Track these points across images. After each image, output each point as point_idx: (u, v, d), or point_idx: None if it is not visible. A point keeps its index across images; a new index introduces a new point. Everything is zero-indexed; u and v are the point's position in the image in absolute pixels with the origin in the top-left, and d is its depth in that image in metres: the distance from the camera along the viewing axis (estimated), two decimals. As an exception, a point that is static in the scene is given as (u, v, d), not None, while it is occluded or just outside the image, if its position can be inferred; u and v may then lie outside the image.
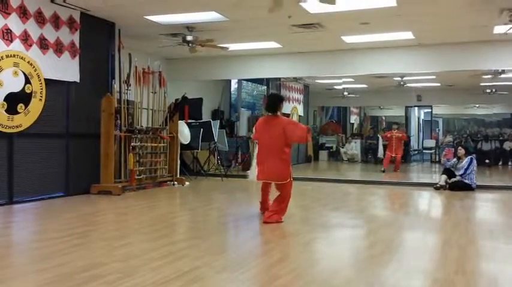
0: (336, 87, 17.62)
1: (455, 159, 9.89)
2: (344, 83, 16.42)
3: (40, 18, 7.19)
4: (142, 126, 9.06)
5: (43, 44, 7.26)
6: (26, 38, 6.95)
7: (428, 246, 5.08)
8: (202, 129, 11.10)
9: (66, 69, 7.71)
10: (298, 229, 5.80)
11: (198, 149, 11.35)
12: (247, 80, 16.06)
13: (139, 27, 9.03)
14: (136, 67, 9.07)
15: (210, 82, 13.95)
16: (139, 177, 8.82)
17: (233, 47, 10.42)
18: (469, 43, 9.98)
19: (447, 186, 9.58)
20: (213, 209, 7.42)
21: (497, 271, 4.08)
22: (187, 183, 9.98)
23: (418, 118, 23.71)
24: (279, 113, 6.16)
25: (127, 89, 8.84)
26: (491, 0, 7.22)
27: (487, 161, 16.41)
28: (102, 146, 8.26)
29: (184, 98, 10.88)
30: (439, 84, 16.68)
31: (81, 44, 7.94)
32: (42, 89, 7.20)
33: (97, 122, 8.25)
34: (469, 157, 9.74)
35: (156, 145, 9.33)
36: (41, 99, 7.19)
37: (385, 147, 15.49)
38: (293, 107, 16.27)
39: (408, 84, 15.71)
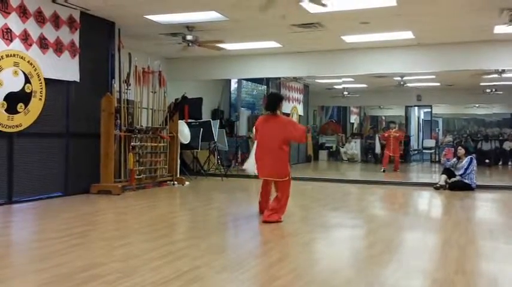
0: (335, 87, 17.61)
1: (455, 159, 9.89)
2: (344, 82, 16.42)
3: (40, 18, 7.19)
4: (142, 126, 9.06)
5: (43, 43, 7.25)
6: (25, 38, 6.95)
7: (428, 246, 5.07)
8: (202, 129, 11.09)
9: (66, 68, 7.71)
10: (297, 229, 5.80)
11: (198, 149, 11.35)
12: (247, 80, 16.06)
13: (139, 27, 9.02)
14: (136, 67, 9.07)
15: (209, 82, 13.95)
16: (139, 177, 8.81)
17: (233, 46, 10.43)
18: (469, 43, 9.98)
19: (447, 186, 9.58)
20: (212, 209, 7.42)
21: (497, 271, 4.08)
22: (187, 183, 9.98)
23: (418, 118, 23.72)
24: (278, 112, 6.21)
25: (127, 89, 8.84)
26: (491, 0, 7.21)
27: (487, 161, 16.41)
28: (102, 145, 8.25)
29: (184, 97, 10.87)
30: (438, 84, 16.68)
31: (81, 44, 7.94)
32: (42, 88, 7.20)
33: (97, 122, 8.24)
34: (469, 156, 9.73)
35: (156, 144, 9.32)
36: (40, 99, 7.19)
37: (383, 146, 15.49)
38: (293, 106, 16.27)
39: (408, 84, 15.71)
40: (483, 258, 4.58)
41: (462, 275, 3.81)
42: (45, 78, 7.23)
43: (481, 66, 10.86)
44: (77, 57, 7.90)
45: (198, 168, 11.72)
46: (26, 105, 6.95)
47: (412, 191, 9.92)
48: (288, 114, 15.05)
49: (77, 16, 7.86)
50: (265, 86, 15.42)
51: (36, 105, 7.11)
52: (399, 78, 14.55)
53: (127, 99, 8.83)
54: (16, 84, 6.80)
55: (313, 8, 7.60)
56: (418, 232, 5.85)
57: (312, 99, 18.63)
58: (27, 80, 6.94)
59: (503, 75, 12.67)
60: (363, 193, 9.55)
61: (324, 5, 6.23)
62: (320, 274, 3.91)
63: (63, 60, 7.64)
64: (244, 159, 13.16)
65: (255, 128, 6.34)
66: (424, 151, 20.01)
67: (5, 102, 6.63)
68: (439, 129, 22.61)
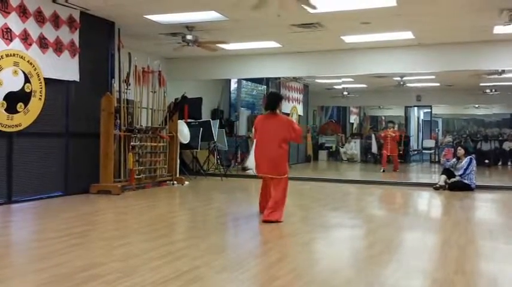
0: (335, 87, 17.61)
1: (454, 159, 9.90)
2: (344, 82, 16.42)
3: (40, 18, 7.19)
4: (142, 125, 9.06)
5: (43, 43, 7.25)
6: (25, 37, 6.95)
7: (428, 246, 5.07)
8: (201, 129, 11.09)
9: (66, 68, 7.71)
10: (297, 229, 5.80)
11: (197, 149, 11.34)
12: (246, 80, 16.06)
13: (139, 27, 9.02)
14: (136, 66, 9.07)
15: (209, 82, 13.95)
16: (139, 176, 8.81)
17: (233, 46, 10.42)
18: (469, 43, 9.98)
19: (447, 186, 9.58)
20: (212, 209, 7.42)
21: (497, 271, 4.08)
22: (186, 182, 9.98)
23: (418, 118, 23.73)
24: (278, 111, 6.27)
25: (127, 89, 8.84)
26: (491, 0, 7.22)
27: (486, 161, 16.41)
28: (102, 145, 8.25)
29: (183, 97, 10.87)
30: (438, 84, 16.69)
31: (80, 43, 7.94)
32: (41, 88, 7.19)
33: (97, 122, 8.24)
34: (469, 157, 9.74)
35: (155, 144, 9.32)
36: (40, 99, 7.18)
37: (381, 146, 15.48)
38: (293, 106, 16.27)
39: (408, 84, 15.71)
40: (483, 258, 4.58)
41: (462, 275, 3.81)
42: (45, 78, 7.23)
43: (481, 67, 10.86)
44: (77, 57, 7.89)
45: (197, 168, 11.71)
46: (25, 105, 6.95)
47: (411, 192, 9.92)
48: (287, 114, 15.05)
49: (76, 16, 7.85)
50: (265, 86, 15.43)
51: (35, 105, 7.11)
52: (399, 79, 14.56)
53: (127, 99, 8.83)
54: (16, 83, 6.80)
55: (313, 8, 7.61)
56: (417, 232, 5.85)
57: (311, 99, 18.64)
58: (27, 80, 6.94)
59: (503, 75, 12.68)
60: (362, 193, 9.55)
61: (313, 7, 6.26)
62: (320, 274, 3.91)
63: (63, 60, 7.63)
64: (244, 159, 13.19)
65: (255, 127, 6.38)
66: (423, 151, 20.01)
67: (4, 102, 6.63)
68: (438, 130, 22.62)
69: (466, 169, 9.53)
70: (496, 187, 10.23)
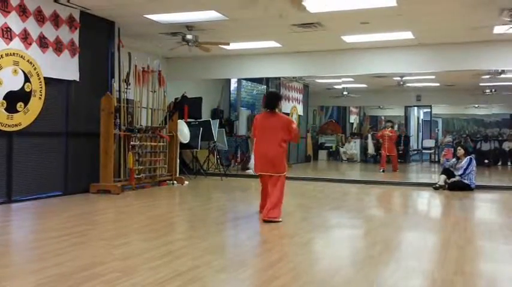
0: (335, 86, 17.62)
1: (454, 159, 9.90)
2: (344, 82, 16.43)
3: (40, 17, 7.19)
4: (141, 125, 9.06)
5: (43, 42, 7.25)
6: (25, 37, 6.95)
7: (428, 246, 5.08)
8: (201, 129, 11.09)
9: (66, 68, 7.71)
10: (297, 228, 5.80)
11: (197, 149, 11.35)
12: (246, 80, 16.06)
13: (139, 26, 9.02)
14: (136, 66, 9.07)
15: (209, 81, 13.95)
16: (139, 176, 8.81)
17: (233, 46, 10.42)
18: (469, 43, 9.99)
19: (446, 186, 9.58)
20: (212, 209, 7.42)
21: (496, 271, 4.08)
22: (186, 182, 9.98)
23: (418, 118, 23.72)
24: (277, 110, 6.33)
25: (126, 88, 8.84)
26: (491, 0, 7.22)
27: (486, 161, 16.41)
28: (102, 145, 8.25)
29: (183, 97, 10.88)
30: (438, 84, 16.70)
31: (80, 43, 7.94)
32: (41, 87, 7.19)
33: (96, 121, 8.24)
34: (468, 157, 9.74)
35: (155, 144, 9.32)
36: (40, 98, 7.18)
37: (379, 147, 15.49)
38: (293, 106, 16.27)
39: (408, 84, 15.72)
40: (482, 258, 4.58)
41: (461, 276, 3.81)
42: (44, 78, 7.23)
43: (481, 67, 10.87)
44: (77, 56, 7.90)
45: (197, 167, 11.72)
46: (25, 104, 6.95)
47: (411, 191, 9.92)
48: (287, 114, 15.05)
49: (76, 15, 7.85)
50: (265, 86, 15.43)
51: (35, 105, 7.11)
52: (399, 78, 14.57)
53: (127, 99, 8.83)
54: (16, 83, 6.80)
55: (313, 8, 7.61)
56: (417, 232, 5.85)
57: (311, 99, 18.64)
58: (26, 79, 6.94)
59: (503, 75, 12.69)
60: (362, 193, 9.55)
61: (304, 7, 6.31)
62: (319, 273, 3.91)
63: (62, 60, 7.63)
64: (244, 159, 13.21)
65: (254, 126, 6.40)
66: (423, 151, 20.01)
67: (4, 101, 6.63)
68: (438, 130, 22.61)
69: (465, 169, 9.53)
70: (496, 187, 10.23)
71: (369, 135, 17.71)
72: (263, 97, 14.82)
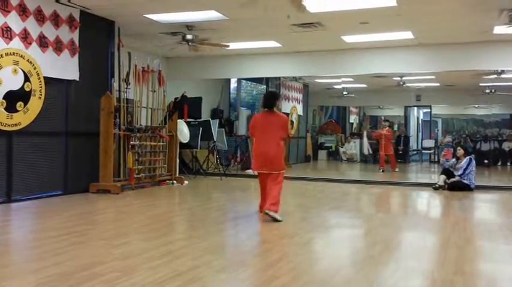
0: (335, 86, 17.62)
1: (454, 159, 9.90)
2: (343, 82, 16.42)
3: (40, 17, 7.18)
4: (141, 125, 9.06)
5: (43, 42, 7.25)
6: (25, 36, 6.94)
7: (427, 246, 5.08)
8: (201, 128, 11.09)
9: (66, 67, 7.70)
10: (297, 228, 5.79)
11: (197, 148, 11.34)
12: (246, 79, 16.05)
13: (139, 26, 9.02)
14: (135, 66, 9.07)
15: (209, 81, 13.94)
16: (139, 176, 8.81)
17: (233, 46, 10.41)
18: (469, 43, 9.98)
19: (446, 186, 9.58)
20: (212, 208, 7.42)
21: (496, 271, 4.09)
22: (186, 182, 9.97)
23: (418, 118, 23.73)
24: (275, 109, 6.38)
25: (126, 88, 8.84)
26: (491, 1, 7.22)
27: (485, 161, 16.41)
28: (101, 144, 8.24)
29: (183, 97, 10.87)
30: (438, 84, 16.69)
31: (80, 43, 7.93)
32: (41, 87, 7.19)
33: (96, 121, 8.23)
34: (468, 157, 9.73)
35: (155, 143, 9.32)
36: (40, 98, 7.18)
37: (376, 149, 15.51)
38: (292, 106, 16.26)
39: (408, 84, 15.71)
40: (482, 258, 4.58)
41: (461, 276, 3.81)
42: (44, 77, 7.22)
43: (481, 67, 10.87)
44: (77, 56, 7.89)
45: (197, 167, 11.71)
46: (25, 104, 6.94)
47: (411, 192, 9.92)
48: (287, 114, 15.05)
49: (76, 15, 7.85)
50: (265, 86, 15.42)
51: (35, 104, 7.10)
52: (399, 78, 14.56)
53: (126, 99, 8.83)
54: (15, 82, 6.79)
55: (313, 8, 7.61)
56: (417, 232, 5.86)
57: (311, 99, 18.63)
58: (26, 79, 6.93)
59: (503, 75, 12.68)
60: (362, 193, 9.55)
61: (304, 8, 6.33)
62: (319, 273, 3.91)
63: (62, 59, 7.63)
64: (243, 158, 13.21)
65: (253, 125, 6.44)
66: (423, 151, 20.01)
67: (4, 101, 6.63)
68: (438, 130, 22.62)
69: (465, 169, 9.53)
70: (495, 187, 10.23)
71: (365, 134, 17.72)
72: (263, 97, 14.82)
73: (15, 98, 6.79)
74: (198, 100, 12.23)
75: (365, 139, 17.49)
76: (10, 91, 6.70)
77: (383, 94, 18.88)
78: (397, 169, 13.72)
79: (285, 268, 4.00)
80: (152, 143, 9.24)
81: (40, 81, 7.16)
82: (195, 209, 7.26)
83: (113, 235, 5.22)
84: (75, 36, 7.86)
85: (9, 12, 6.68)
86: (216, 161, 11.97)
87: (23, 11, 6.89)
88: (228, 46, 9.82)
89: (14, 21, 6.75)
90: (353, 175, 13.45)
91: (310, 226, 5.91)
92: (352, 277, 3.81)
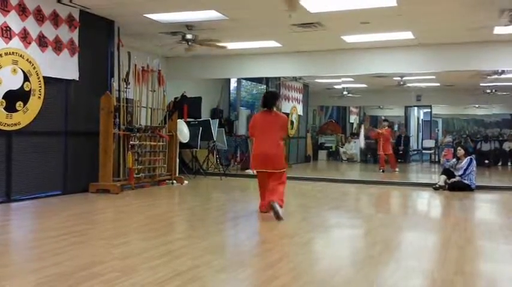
0: (335, 86, 17.61)
1: (454, 159, 9.88)
2: (344, 82, 16.42)
3: (39, 16, 7.17)
4: (141, 124, 9.05)
5: (42, 41, 7.24)
6: (25, 36, 6.93)
7: (428, 246, 5.07)
8: (201, 128, 11.08)
9: (65, 67, 7.69)
10: (297, 228, 5.78)
11: (197, 148, 11.33)
12: (246, 79, 16.04)
13: (139, 26, 9.01)
14: (135, 65, 9.06)
15: (209, 81, 13.94)
16: (138, 176, 8.79)
17: (233, 45, 10.42)
18: (469, 43, 9.97)
19: (446, 186, 9.57)
20: (211, 208, 7.41)
21: (496, 271, 4.08)
22: (186, 182, 9.96)
23: (418, 118, 23.72)
24: (274, 109, 6.42)
25: (126, 88, 8.83)
26: (492, 1, 7.21)
27: (486, 161, 16.40)
28: (101, 144, 8.23)
29: (183, 96, 10.86)
30: (438, 84, 16.69)
31: (80, 42, 7.92)
32: (41, 87, 7.18)
33: (96, 121, 8.22)
34: (469, 157, 9.72)
35: (155, 143, 9.31)
36: (39, 97, 7.17)
37: (374, 150, 15.52)
38: (292, 106, 16.25)
39: (408, 84, 15.71)
40: (482, 258, 4.57)
41: (461, 276, 3.80)
42: (44, 77, 7.21)
43: (481, 67, 10.86)
44: (76, 55, 7.88)
45: (197, 167, 11.70)
46: (25, 103, 6.93)
47: (411, 192, 9.91)
48: (287, 114, 15.05)
49: (76, 15, 7.84)
50: (265, 86, 15.41)
51: (35, 104, 7.09)
52: (399, 78, 14.55)
53: (126, 98, 8.82)
54: (15, 82, 6.78)
55: (313, 8, 7.60)
56: (417, 232, 5.84)
57: (311, 99, 18.63)
58: (26, 79, 6.92)
59: (503, 75, 12.68)
60: (362, 193, 9.54)
61: (295, 8, 6.35)
62: (319, 273, 3.90)
63: (62, 59, 7.62)
64: (243, 158, 13.20)
65: (252, 125, 6.46)
66: (423, 151, 20.01)
67: (3, 101, 6.61)
68: (438, 130, 22.61)
69: (466, 169, 9.51)
70: (496, 188, 10.21)
71: (362, 130, 17.72)
72: (262, 97, 14.80)
73: (15, 98, 6.78)
74: (198, 100, 12.23)
75: (361, 134, 17.53)
76: (9, 91, 6.69)
77: (383, 94, 18.88)
78: (397, 169, 13.69)
79: (285, 268, 3.99)
80: (152, 143, 9.23)
81: (39, 81, 7.15)
82: (194, 209, 7.25)
83: (113, 234, 5.21)
84: (75, 35, 7.85)
85: (8, 11, 6.67)
86: (216, 161, 11.96)
87: (22, 10, 6.88)
88: (225, 47, 9.81)
89: (13, 20, 6.74)
90: (353, 175, 13.44)
91: (310, 226, 5.90)
92: (352, 277, 3.80)
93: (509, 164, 17.20)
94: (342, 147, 19.04)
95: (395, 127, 20.95)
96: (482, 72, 12.20)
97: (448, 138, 18.77)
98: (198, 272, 3.73)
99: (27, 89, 6.95)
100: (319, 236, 5.48)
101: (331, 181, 11.19)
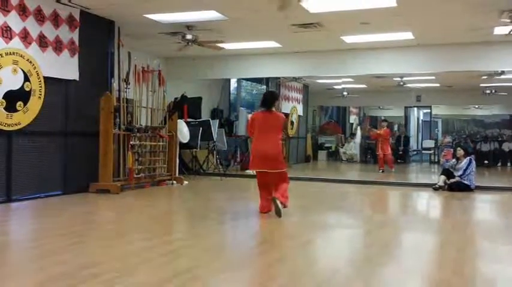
0: (335, 87, 17.62)
1: (454, 160, 9.89)
2: (343, 83, 16.42)
3: (39, 16, 7.18)
4: (141, 125, 9.05)
5: (42, 42, 7.24)
6: (25, 36, 6.94)
7: (427, 247, 5.07)
8: (201, 129, 11.08)
9: (66, 67, 7.70)
10: (296, 229, 5.79)
11: (197, 148, 11.34)
12: (246, 80, 16.05)
13: (139, 26, 9.01)
14: (135, 66, 9.06)
15: (209, 81, 13.94)
16: (138, 176, 8.80)
17: (233, 46, 10.42)
18: (469, 44, 9.98)
19: (446, 187, 9.57)
20: (211, 209, 7.41)
21: (496, 272, 4.08)
22: (186, 182, 9.96)
23: (418, 118, 23.73)
24: (274, 109, 6.44)
25: (126, 88, 8.83)
26: (492, 2, 7.21)
27: (486, 162, 16.41)
28: (101, 144, 8.24)
29: (183, 97, 10.86)
30: (438, 85, 16.69)
31: (80, 42, 7.92)
32: (41, 87, 7.18)
33: (96, 121, 8.22)
34: (468, 157, 9.72)
35: (155, 143, 9.31)
36: (40, 97, 7.17)
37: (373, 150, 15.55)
38: (292, 106, 16.26)
39: (408, 85, 15.71)
40: (481, 259, 4.57)
41: (460, 277, 3.81)
42: (44, 77, 7.22)
43: (481, 68, 10.87)
44: (77, 55, 7.88)
45: (197, 167, 11.70)
46: (25, 103, 6.94)
47: (411, 192, 9.92)
48: (287, 115, 15.06)
49: (76, 15, 7.84)
50: (265, 86, 15.42)
51: (35, 104, 7.10)
52: (399, 79, 14.56)
53: (126, 98, 8.83)
54: (15, 82, 6.78)
55: (313, 8, 7.61)
56: (416, 233, 5.85)
57: (311, 99, 18.64)
58: (26, 79, 6.93)
59: (503, 76, 12.68)
60: (361, 193, 9.55)
61: (283, 8, 6.38)
62: (319, 274, 3.90)
63: (62, 59, 7.62)
64: (243, 159, 13.20)
65: (252, 125, 6.48)
66: (423, 151, 20.02)
67: (4, 101, 6.62)
68: (438, 130, 22.62)
69: (465, 170, 9.52)
70: (496, 188, 10.22)
71: (358, 131, 17.81)
72: (262, 96, 14.80)
73: (15, 98, 6.78)
74: (198, 100, 12.23)
75: (358, 135, 17.58)
76: (10, 91, 6.70)
77: (383, 95, 18.88)
78: (393, 169, 13.65)
79: (284, 268, 4.00)
80: (152, 143, 9.23)
81: (40, 81, 7.15)
82: (194, 209, 7.26)
83: (113, 234, 5.21)
84: (75, 36, 7.85)
85: (9, 11, 6.68)
86: (216, 161, 11.96)
87: (22, 10, 6.89)
88: (221, 49, 9.80)
89: (13, 20, 6.75)
90: (353, 176, 13.44)
91: (310, 226, 5.90)
92: (351, 277, 3.81)
93: (508, 164, 17.22)
94: (341, 147, 19.04)
95: (395, 128, 20.97)
96: (482, 72, 12.20)
97: (448, 139, 18.77)
98: (198, 273, 3.74)
99: (27, 89, 6.96)
100: (319, 236, 5.48)
101: (331, 181, 11.19)
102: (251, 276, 3.83)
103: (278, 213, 5.92)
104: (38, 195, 7.31)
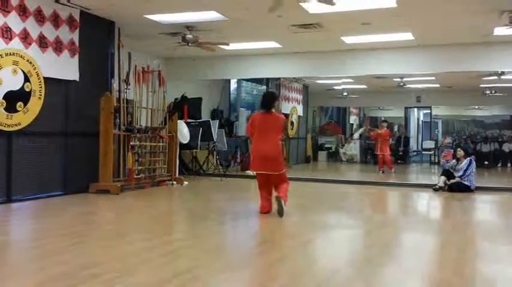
0: (335, 87, 17.62)
1: (454, 160, 9.89)
2: (343, 83, 16.43)
3: (40, 17, 7.18)
4: (141, 125, 9.05)
5: (42, 42, 7.24)
6: (25, 37, 6.94)
7: (427, 247, 5.08)
8: (201, 129, 11.08)
9: (66, 67, 7.70)
10: (296, 229, 5.79)
11: (197, 149, 11.34)
12: (246, 80, 16.05)
13: (139, 26, 9.02)
14: (135, 66, 9.06)
15: (209, 82, 13.94)
16: (138, 176, 8.80)
17: (233, 46, 10.42)
18: (469, 44, 9.98)
19: (446, 187, 9.57)
20: (211, 209, 7.41)
21: (496, 272, 4.08)
22: (186, 183, 9.96)
23: (418, 119, 23.72)
24: (273, 110, 6.45)
25: (126, 88, 8.83)
26: (492, 2, 7.22)
27: (486, 162, 16.40)
28: (101, 145, 8.24)
29: (183, 97, 10.85)
30: (438, 86, 16.69)
31: (80, 43, 7.92)
32: (41, 87, 7.18)
33: (96, 121, 8.22)
34: (468, 158, 9.72)
35: (155, 144, 9.31)
36: (40, 98, 7.17)
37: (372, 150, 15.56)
38: (292, 107, 16.26)
39: (408, 85, 15.71)
40: (482, 259, 4.57)
41: (460, 277, 3.81)
42: (44, 77, 7.22)
43: (481, 68, 10.86)
44: (77, 56, 7.89)
45: (197, 168, 11.71)
46: (25, 104, 6.94)
47: (411, 193, 9.92)
48: (287, 115, 15.06)
49: (76, 15, 7.85)
50: (265, 86, 15.42)
51: (35, 104, 7.10)
52: (399, 79, 14.57)
53: (126, 99, 8.82)
54: (15, 83, 6.78)
55: (313, 9, 7.61)
56: (416, 233, 5.85)
57: (311, 99, 18.64)
58: (26, 79, 6.93)
59: (503, 77, 12.68)
60: (361, 194, 9.54)
61: (332, 3, 6.33)
62: (319, 273, 3.90)
63: (62, 59, 7.62)
64: (243, 159, 13.20)
65: (252, 124, 6.47)
66: (423, 152, 20.02)
67: (4, 101, 6.62)
68: (438, 131, 22.62)
69: (465, 170, 9.51)
70: (496, 189, 10.21)
71: (357, 132, 17.84)
72: (261, 97, 14.80)
73: (15, 98, 6.78)
74: (198, 101, 12.22)
75: (357, 134, 17.60)
76: (10, 91, 6.70)
77: (383, 95, 18.88)
78: (393, 170, 13.62)
79: (285, 268, 4.00)
80: (152, 144, 9.23)
81: (40, 82, 7.15)
82: (194, 210, 7.26)
83: (113, 235, 5.22)
84: (75, 36, 7.86)
85: (9, 12, 6.68)
86: (216, 161, 11.96)
87: (23, 11, 6.89)
88: (214, 50, 9.81)
89: (13, 21, 6.75)
90: (353, 176, 13.44)
91: (310, 226, 5.90)
92: (351, 277, 3.81)
93: (508, 165, 17.22)
94: (341, 148, 19.04)
95: (396, 128, 20.97)
96: (482, 73, 12.20)
97: (448, 140, 18.78)
98: (198, 273, 3.74)
99: (27, 89, 6.96)
100: (319, 236, 5.48)
101: (331, 181, 11.19)
102: (251, 276, 3.83)
103: (280, 213, 5.94)
104: (38, 195, 7.31)
